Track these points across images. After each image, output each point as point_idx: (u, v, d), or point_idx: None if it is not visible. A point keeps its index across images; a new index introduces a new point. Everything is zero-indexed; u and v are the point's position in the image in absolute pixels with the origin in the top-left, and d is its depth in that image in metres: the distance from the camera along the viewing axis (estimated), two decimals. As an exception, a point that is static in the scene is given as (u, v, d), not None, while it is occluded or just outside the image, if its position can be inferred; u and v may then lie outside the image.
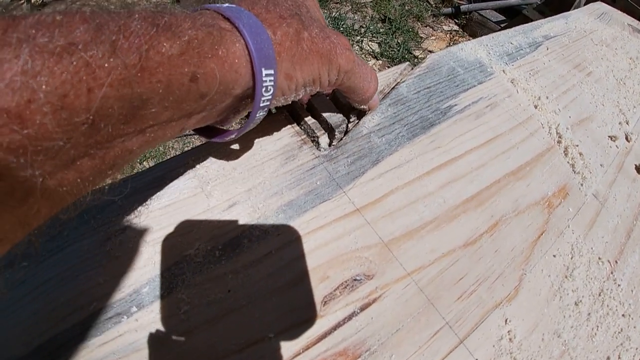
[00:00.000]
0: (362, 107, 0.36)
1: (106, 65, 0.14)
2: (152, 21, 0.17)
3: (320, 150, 0.34)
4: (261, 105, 0.24)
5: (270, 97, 0.24)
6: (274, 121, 0.36)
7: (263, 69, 0.22)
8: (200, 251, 0.27)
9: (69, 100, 0.13)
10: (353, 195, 0.32)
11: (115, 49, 0.15)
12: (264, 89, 0.23)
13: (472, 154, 0.38)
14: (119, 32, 0.15)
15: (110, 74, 0.15)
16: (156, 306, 0.25)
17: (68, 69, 0.13)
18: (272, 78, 0.23)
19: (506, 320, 0.30)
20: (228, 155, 0.32)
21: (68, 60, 0.13)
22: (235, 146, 0.33)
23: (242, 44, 0.21)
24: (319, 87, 0.28)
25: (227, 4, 0.23)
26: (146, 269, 0.26)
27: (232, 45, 0.21)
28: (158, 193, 0.29)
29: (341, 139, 0.36)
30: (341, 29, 2.52)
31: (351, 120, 0.37)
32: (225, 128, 0.27)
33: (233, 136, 0.27)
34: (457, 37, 2.62)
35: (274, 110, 0.37)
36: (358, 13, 2.72)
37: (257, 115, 0.25)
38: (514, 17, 2.50)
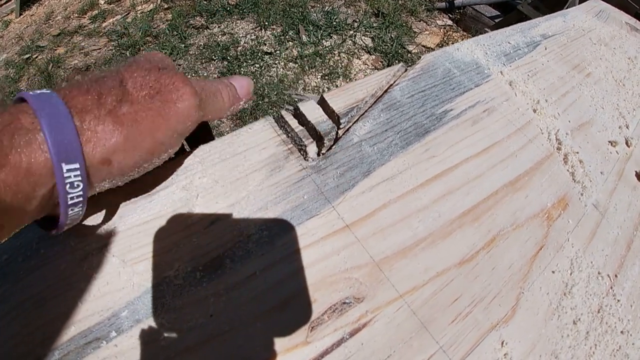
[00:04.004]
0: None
1: None
2: None
3: (308, 160, 0.32)
4: (69, 203, 0.22)
5: (80, 192, 0.22)
6: (258, 129, 0.33)
7: (63, 165, 0.20)
8: (180, 272, 0.26)
9: None
10: (342, 210, 0.30)
11: None
12: (68, 186, 0.21)
13: (468, 164, 0.36)
14: None
15: None
16: (136, 331, 0.23)
17: None
18: (77, 173, 0.21)
19: (502, 343, 0.28)
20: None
21: None
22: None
23: (41, 139, 0.20)
24: (167, 152, 0.26)
25: (44, 90, 0.21)
26: (124, 291, 0.24)
27: (27, 146, 0.19)
28: (135, 209, 0.27)
29: (330, 148, 0.34)
30: (334, 23, 2.49)
31: (341, 126, 0.35)
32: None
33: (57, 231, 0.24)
34: (451, 32, 2.60)
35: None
36: (351, 7, 2.68)
37: (71, 212, 0.22)
38: (508, 12, 2.48)
